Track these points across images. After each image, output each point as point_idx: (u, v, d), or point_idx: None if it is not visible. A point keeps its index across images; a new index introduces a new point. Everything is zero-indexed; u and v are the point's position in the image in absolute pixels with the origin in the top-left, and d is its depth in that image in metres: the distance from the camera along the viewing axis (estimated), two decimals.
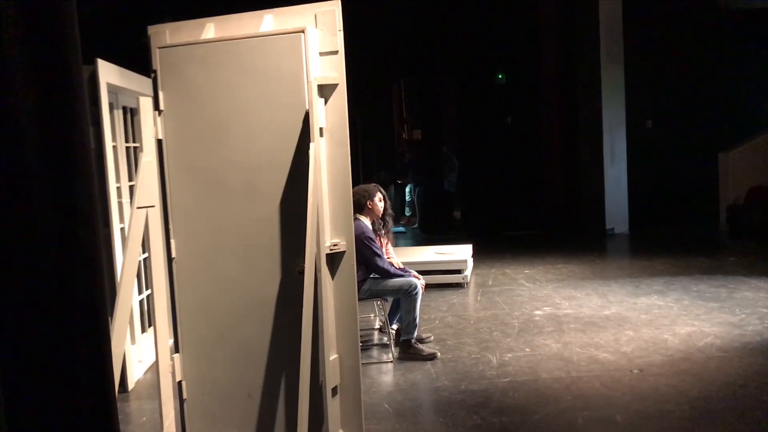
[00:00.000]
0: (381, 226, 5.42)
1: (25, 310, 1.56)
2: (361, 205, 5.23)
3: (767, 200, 10.09)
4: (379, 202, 5.31)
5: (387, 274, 5.18)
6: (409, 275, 5.28)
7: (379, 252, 5.17)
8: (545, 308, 6.52)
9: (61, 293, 1.60)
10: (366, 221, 5.24)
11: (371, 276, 5.21)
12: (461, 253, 8.09)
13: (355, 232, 5.10)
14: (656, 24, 11.80)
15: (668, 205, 11.68)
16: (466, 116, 12.89)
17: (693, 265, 8.13)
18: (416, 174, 13.04)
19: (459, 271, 7.70)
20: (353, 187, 5.58)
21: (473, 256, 8.46)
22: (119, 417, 2.18)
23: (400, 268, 5.36)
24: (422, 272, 5.67)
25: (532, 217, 12.17)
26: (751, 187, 10.39)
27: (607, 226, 11.07)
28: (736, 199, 10.55)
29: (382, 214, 5.37)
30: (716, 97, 11.86)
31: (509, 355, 5.17)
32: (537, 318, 6.19)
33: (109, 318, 2.06)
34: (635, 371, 4.69)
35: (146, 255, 4.69)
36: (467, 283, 7.71)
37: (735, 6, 11.83)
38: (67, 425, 1.58)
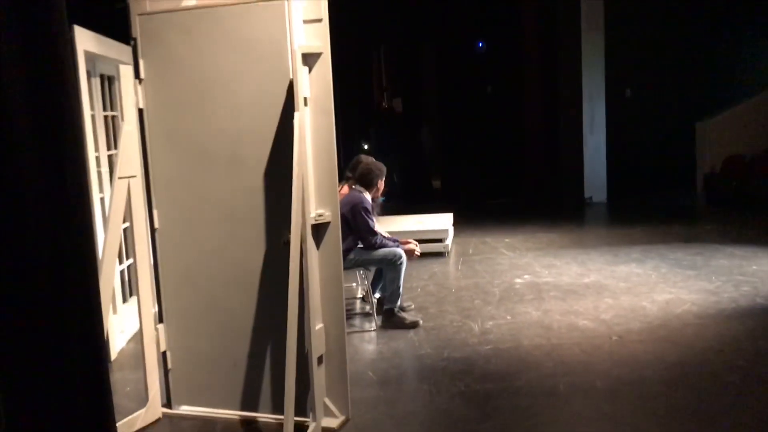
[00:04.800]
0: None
1: (18, 284, 1.55)
2: (370, 182, 5.25)
3: (743, 169, 10.24)
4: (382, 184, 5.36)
5: (375, 247, 5.18)
6: (396, 245, 5.29)
7: (373, 226, 5.16)
8: (525, 276, 6.59)
9: (53, 268, 1.59)
10: (367, 195, 5.23)
11: (358, 246, 5.21)
12: (442, 222, 8.12)
13: (353, 201, 5.14)
14: None
15: (646, 173, 11.79)
16: (446, 85, 12.83)
17: (670, 233, 8.25)
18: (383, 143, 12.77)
19: (440, 240, 7.74)
20: (365, 159, 5.58)
21: (453, 224, 8.50)
22: None
23: (388, 238, 5.37)
24: (404, 241, 5.66)
25: (512, 186, 12.23)
26: (727, 156, 10.53)
27: (586, 195, 11.17)
28: (713, 168, 10.69)
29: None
30: (695, 67, 11.93)
31: (491, 323, 5.23)
32: (517, 286, 6.26)
33: None
34: (614, 338, 4.77)
35: (127, 224, 4.66)
36: (448, 252, 7.76)
37: None
38: (62, 400, 1.59)
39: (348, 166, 5.69)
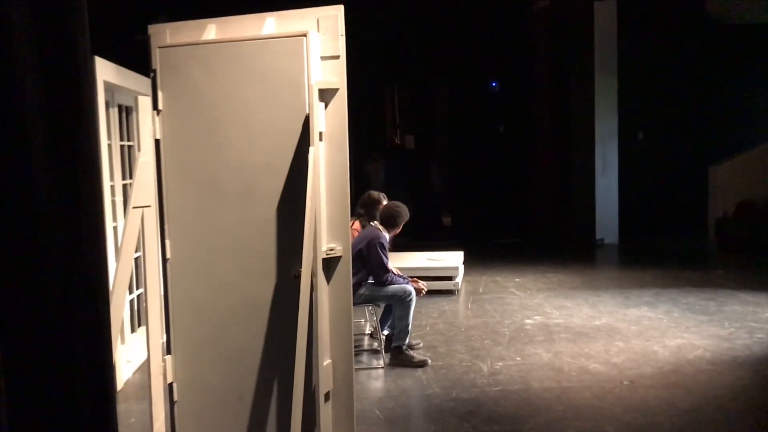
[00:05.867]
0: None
1: (29, 312, 1.54)
2: (395, 224, 5.32)
3: (756, 215, 10.18)
4: None
5: (386, 284, 5.18)
6: (406, 282, 5.28)
7: (386, 263, 5.18)
8: (536, 317, 6.53)
9: (65, 295, 1.58)
10: (386, 233, 5.25)
11: (369, 281, 5.20)
12: (452, 259, 8.09)
13: (371, 236, 5.17)
14: (650, 36, 11.89)
15: (658, 216, 11.74)
16: (458, 123, 12.90)
17: (682, 277, 8.17)
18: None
19: (450, 278, 7.70)
20: (385, 198, 5.62)
21: (464, 263, 8.46)
22: None
23: (398, 275, 5.37)
24: (412, 278, 5.65)
25: (523, 226, 12.20)
26: (740, 201, 10.48)
27: (597, 236, 11.12)
28: (725, 213, 10.63)
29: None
30: (708, 111, 11.96)
31: (500, 364, 5.17)
32: (528, 327, 6.20)
33: None
34: (625, 382, 4.70)
35: (138, 254, 4.67)
36: (458, 290, 7.72)
37: (728, 21, 11.93)
38: (67, 429, 1.57)
39: (358, 202, 5.70)
